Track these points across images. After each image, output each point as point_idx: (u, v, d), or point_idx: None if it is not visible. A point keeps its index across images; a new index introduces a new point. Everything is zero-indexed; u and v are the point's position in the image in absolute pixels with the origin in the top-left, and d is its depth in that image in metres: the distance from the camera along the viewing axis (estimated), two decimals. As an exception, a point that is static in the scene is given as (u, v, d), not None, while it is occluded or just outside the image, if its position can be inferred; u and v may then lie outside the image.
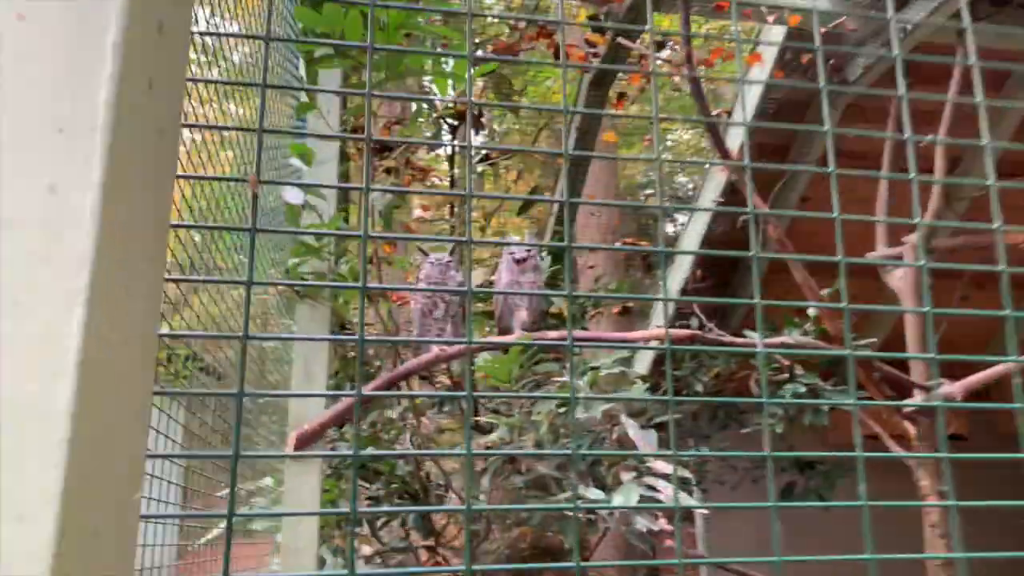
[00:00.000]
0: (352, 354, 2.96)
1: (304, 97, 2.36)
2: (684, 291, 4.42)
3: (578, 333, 2.75)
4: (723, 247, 4.40)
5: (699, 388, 4.29)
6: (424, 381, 2.99)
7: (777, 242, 3.04)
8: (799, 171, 4.04)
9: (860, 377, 3.34)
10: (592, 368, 2.89)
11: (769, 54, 3.66)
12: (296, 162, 2.37)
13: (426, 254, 2.81)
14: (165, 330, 2.00)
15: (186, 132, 1.84)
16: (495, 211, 3.60)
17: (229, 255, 2.47)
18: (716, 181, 4.13)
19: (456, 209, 3.10)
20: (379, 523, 3.16)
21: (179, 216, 1.94)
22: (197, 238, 2.14)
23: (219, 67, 1.99)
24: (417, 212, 3.94)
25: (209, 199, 2.16)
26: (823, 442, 5.32)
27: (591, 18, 3.40)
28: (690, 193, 10.86)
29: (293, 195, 2.49)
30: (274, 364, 2.95)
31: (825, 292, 3.17)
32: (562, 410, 2.75)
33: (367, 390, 2.60)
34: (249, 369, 2.92)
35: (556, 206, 3.84)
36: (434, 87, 2.42)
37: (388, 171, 2.76)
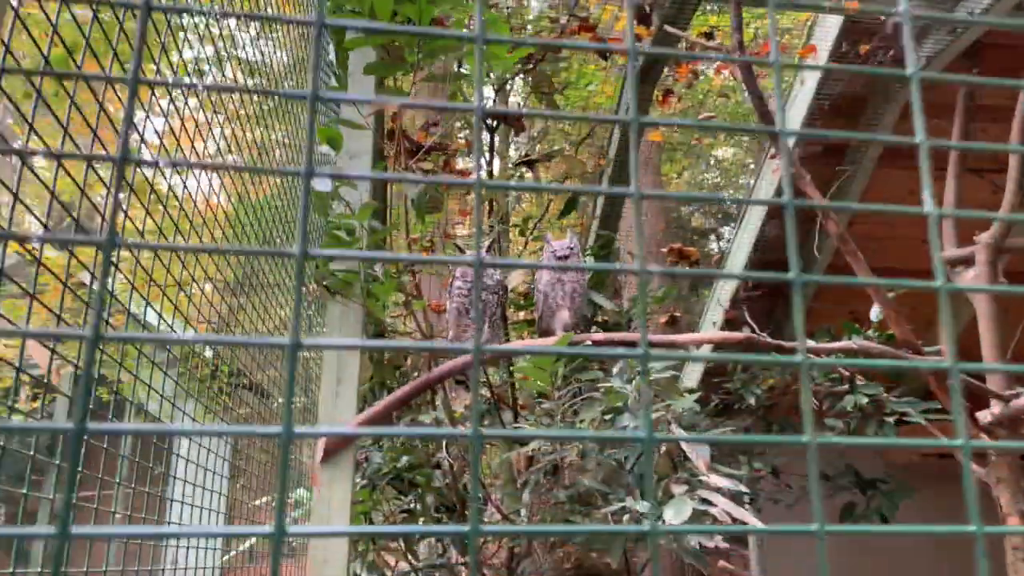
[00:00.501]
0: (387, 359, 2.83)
1: (334, 83, 2.25)
2: (735, 299, 4.21)
3: (644, 336, 2.57)
4: (778, 251, 4.19)
5: (751, 401, 4.06)
6: (460, 385, 2.84)
7: (839, 239, 2.84)
8: (856, 170, 3.83)
9: (932, 386, 3.10)
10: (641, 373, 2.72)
11: (825, 45, 3.47)
12: (325, 149, 2.26)
13: (463, 251, 2.67)
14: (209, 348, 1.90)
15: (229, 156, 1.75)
16: (540, 217, 3.45)
17: (273, 271, 2.38)
18: (769, 181, 3.93)
19: (495, 207, 2.96)
20: (416, 538, 3.00)
21: (223, 234, 1.85)
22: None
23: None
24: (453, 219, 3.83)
25: (256, 208, 2.07)
26: (883, 459, 5.03)
27: (636, 11, 3.26)
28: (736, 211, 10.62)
29: (322, 183, 2.37)
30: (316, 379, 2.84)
31: (891, 295, 2.95)
32: (607, 417, 2.57)
33: (400, 393, 2.46)
34: (295, 385, 2.81)
35: (599, 209, 3.68)
36: (466, 74, 2.28)
37: (424, 172, 2.63)
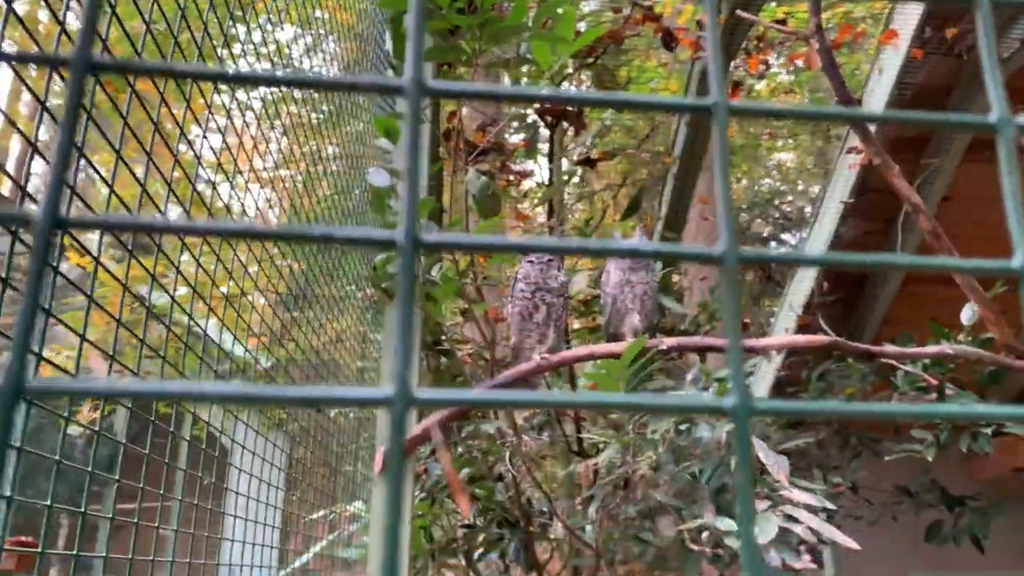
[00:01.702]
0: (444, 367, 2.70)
1: (391, 73, 2.15)
2: (809, 304, 3.99)
3: (722, 341, 2.40)
4: (855, 253, 3.95)
5: (828, 411, 3.82)
6: (525, 394, 2.69)
7: (931, 235, 2.62)
8: (942, 163, 3.58)
9: (1035, 394, 2.85)
10: (718, 379, 2.53)
11: (906, 31, 3.25)
12: (384, 143, 2.16)
13: (525, 253, 2.53)
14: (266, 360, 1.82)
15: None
16: (601, 216, 3.32)
17: (328, 282, 2.29)
18: (845, 178, 3.71)
19: (555, 209, 2.83)
20: (477, 554, 2.86)
21: (276, 246, 1.77)
22: (296, 268, 1.98)
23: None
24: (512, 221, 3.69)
25: (304, 221, 1.98)
26: (970, 475, 4.72)
27: None
28: (807, 210, 10.26)
29: (380, 177, 2.27)
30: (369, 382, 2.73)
31: (990, 295, 2.72)
32: (683, 427, 2.40)
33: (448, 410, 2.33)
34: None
35: (664, 210, 3.51)
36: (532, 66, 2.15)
37: (482, 174, 2.51)
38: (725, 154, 0.32)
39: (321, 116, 2.15)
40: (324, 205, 2.14)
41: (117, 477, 1.01)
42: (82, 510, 0.94)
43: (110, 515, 1.02)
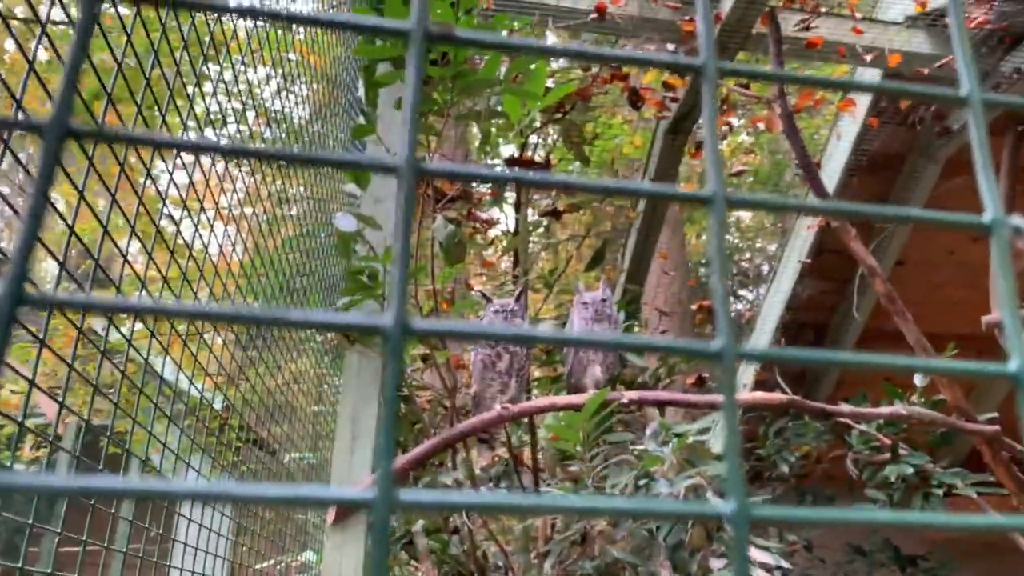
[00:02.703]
0: (405, 414, 2.66)
1: (362, 120, 2.15)
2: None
3: (683, 396, 2.41)
4: (812, 311, 4.03)
5: (785, 469, 3.85)
6: (483, 444, 2.67)
7: (885, 297, 2.69)
8: (895, 231, 3.68)
9: (985, 456, 2.90)
10: (677, 435, 2.54)
11: (863, 100, 3.37)
12: (351, 188, 2.15)
13: (489, 299, 2.53)
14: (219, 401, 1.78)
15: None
16: (565, 266, 3.34)
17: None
18: (803, 238, 3.79)
19: (520, 259, 2.84)
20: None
21: (236, 286, 1.75)
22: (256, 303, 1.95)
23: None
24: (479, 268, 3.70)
25: (267, 262, 1.96)
26: (922, 535, 4.76)
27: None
28: (763, 267, 10.48)
29: (346, 222, 2.26)
30: (326, 437, 2.68)
31: (944, 356, 2.78)
32: (641, 483, 2.39)
33: (413, 453, 2.30)
34: (304, 442, 2.65)
35: (627, 263, 3.56)
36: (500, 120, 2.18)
37: (449, 221, 2.51)
38: (713, 117, 0.32)
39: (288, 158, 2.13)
40: (288, 248, 2.12)
41: (59, 530, 0.97)
42: (19, 565, 0.90)
43: (48, 570, 0.97)
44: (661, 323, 3.89)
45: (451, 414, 2.41)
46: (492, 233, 3.24)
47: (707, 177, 0.32)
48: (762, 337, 3.95)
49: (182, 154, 1.38)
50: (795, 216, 3.96)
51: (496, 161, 3.72)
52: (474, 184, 3.27)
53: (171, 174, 1.28)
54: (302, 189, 2.28)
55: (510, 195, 3.26)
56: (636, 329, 2.96)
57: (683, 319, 4.37)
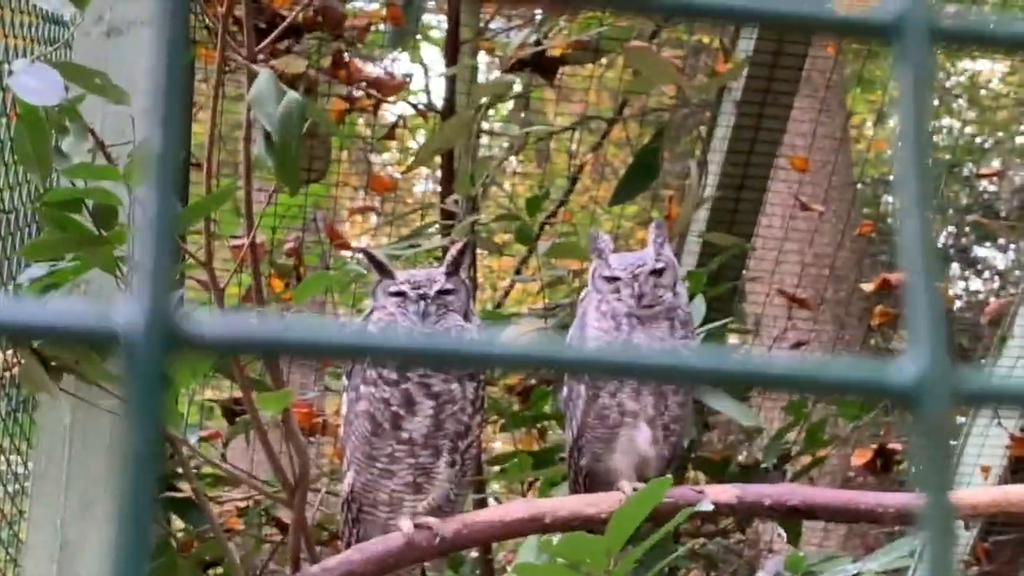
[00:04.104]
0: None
1: None
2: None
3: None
4: None
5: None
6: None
7: None
8: None
9: None
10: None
11: None
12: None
13: (385, 270, 1.19)
14: None
15: None
16: (567, 191, 1.95)
17: None
18: None
19: (458, 176, 1.50)
20: None
21: None
22: None
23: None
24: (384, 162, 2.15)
25: None
26: None
27: None
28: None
29: (35, 81, 0.95)
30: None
31: None
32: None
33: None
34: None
35: (711, 185, 1.96)
36: None
37: (288, 82, 1.18)
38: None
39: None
40: None
41: None
42: None
43: None
44: (792, 324, 2.25)
45: (294, 542, 1.02)
46: (390, 113, 1.91)
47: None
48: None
49: None
50: None
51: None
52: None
53: None
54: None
55: (435, 21, 1.93)
56: (732, 341, 1.60)
57: (844, 314, 2.57)
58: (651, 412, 1.27)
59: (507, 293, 2.39)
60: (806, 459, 1.53)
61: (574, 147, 2.18)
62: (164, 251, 0.17)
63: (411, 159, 1.95)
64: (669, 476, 1.16)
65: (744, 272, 2.13)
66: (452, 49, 1.60)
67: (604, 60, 1.87)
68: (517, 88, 1.84)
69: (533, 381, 1.47)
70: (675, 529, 1.16)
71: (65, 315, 0.18)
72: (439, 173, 1.95)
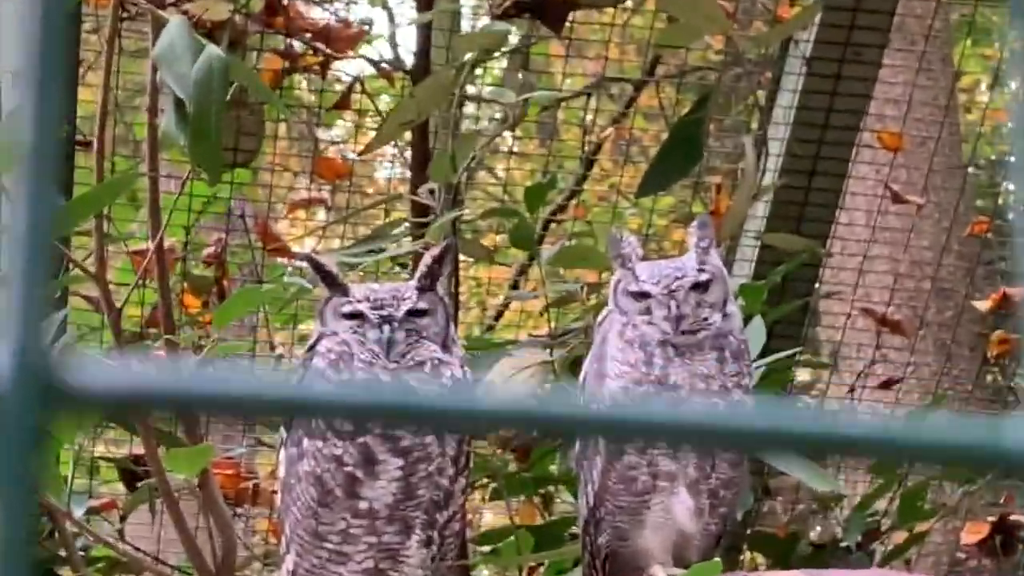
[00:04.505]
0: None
1: None
2: None
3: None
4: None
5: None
6: None
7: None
8: None
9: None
10: None
11: None
12: None
13: (337, 283, 0.96)
14: None
15: None
16: (584, 170, 1.72)
17: None
18: None
19: (435, 166, 1.27)
20: None
21: None
22: None
23: None
24: (332, 139, 1.86)
25: None
26: None
27: None
28: None
29: None
30: None
31: None
32: None
33: None
34: None
35: (771, 167, 1.74)
36: None
37: (206, 33, 0.97)
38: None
39: None
40: None
41: None
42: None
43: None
44: (882, 355, 1.96)
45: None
46: (344, 73, 1.75)
47: None
48: None
49: None
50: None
51: None
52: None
53: None
54: None
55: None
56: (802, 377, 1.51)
57: (950, 341, 2.16)
58: (693, 474, 1.07)
59: (500, 314, 2.12)
60: (901, 536, 1.30)
61: (589, 119, 1.92)
62: (39, 271, 0.16)
63: (371, 135, 1.68)
64: (718, 559, 0.95)
65: (817, 286, 1.86)
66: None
67: (629, 1, 1.61)
68: (513, 40, 1.58)
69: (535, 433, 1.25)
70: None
71: None
72: (409, 154, 1.67)
